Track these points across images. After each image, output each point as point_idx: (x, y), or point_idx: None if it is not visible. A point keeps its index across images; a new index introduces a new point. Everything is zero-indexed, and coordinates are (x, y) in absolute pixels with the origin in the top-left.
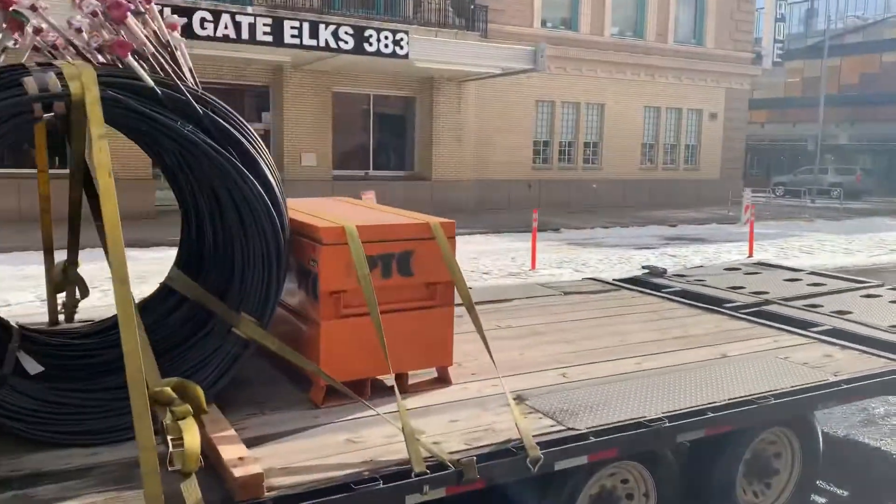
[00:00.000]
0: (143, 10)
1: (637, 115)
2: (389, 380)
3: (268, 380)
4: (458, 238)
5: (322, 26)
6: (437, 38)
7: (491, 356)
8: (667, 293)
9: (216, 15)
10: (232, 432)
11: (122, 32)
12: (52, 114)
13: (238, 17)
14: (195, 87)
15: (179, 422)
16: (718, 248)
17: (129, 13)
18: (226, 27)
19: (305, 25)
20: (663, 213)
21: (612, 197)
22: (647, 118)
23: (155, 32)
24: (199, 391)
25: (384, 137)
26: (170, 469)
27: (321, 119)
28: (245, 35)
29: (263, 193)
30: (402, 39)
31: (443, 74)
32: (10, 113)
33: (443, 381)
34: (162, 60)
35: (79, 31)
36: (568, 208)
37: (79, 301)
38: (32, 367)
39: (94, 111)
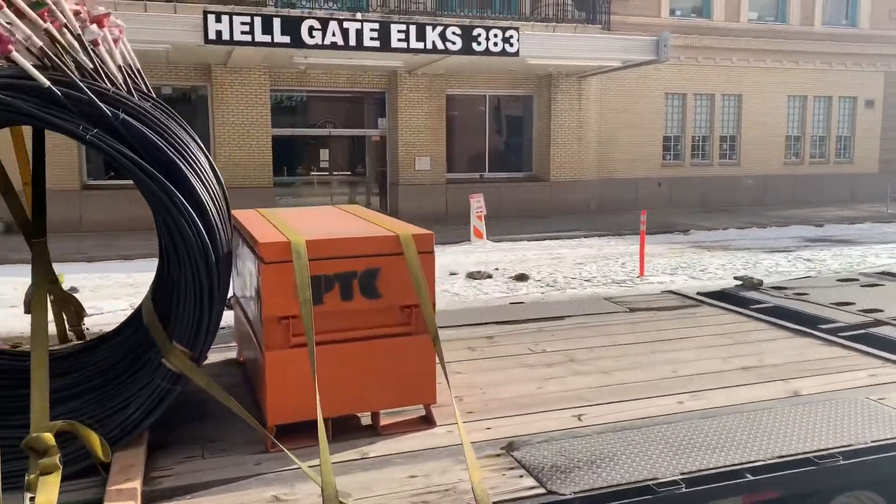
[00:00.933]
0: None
1: (779, 106)
2: (367, 417)
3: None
4: (572, 241)
5: (429, 28)
6: (551, 34)
7: (449, 388)
8: (755, 310)
9: (324, 23)
10: (134, 485)
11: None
12: None
13: (346, 24)
14: (122, 87)
15: (42, 477)
16: (865, 251)
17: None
18: (333, 34)
19: (412, 28)
20: (809, 212)
21: (751, 194)
22: (790, 108)
23: (66, 27)
24: (95, 438)
25: (500, 138)
26: None
27: (435, 122)
28: (353, 42)
29: (190, 210)
30: (511, 37)
31: (561, 70)
32: None
33: (426, 421)
34: (69, 58)
35: None
36: (702, 207)
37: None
38: None
39: None
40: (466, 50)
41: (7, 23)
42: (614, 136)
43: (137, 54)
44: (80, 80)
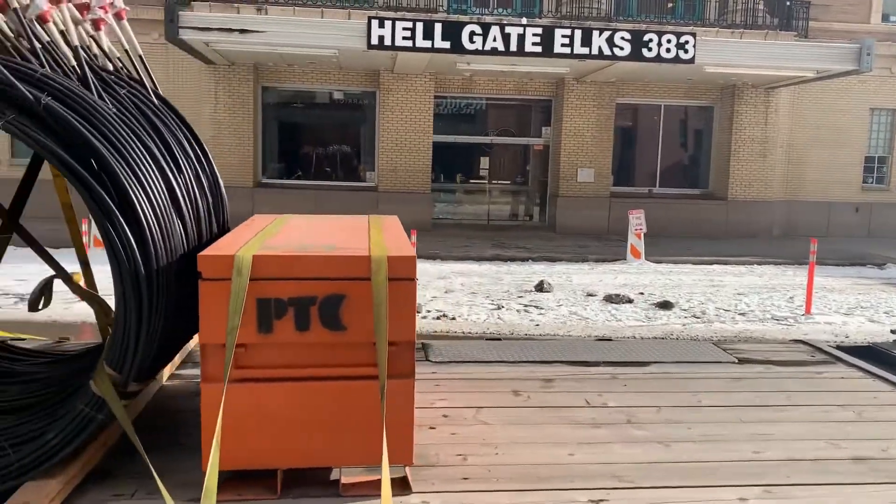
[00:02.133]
0: None
1: None
2: (340, 473)
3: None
4: (740, 267)
5: (595, 33)
6: (731, 40)
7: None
8: None
9: (485, 28)
10: None
11: None
12: None
13: (508, 29)
14: (72, 69)
15: None
16: None
17: None
18: (494, 39)
19: (577, 33)
20: None
21: None
22: None
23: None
24: None
25: (674, 152)
26: None
27: (601, 132)
28: (514, 47)
29: (113, 211)
30: (686, 42)
31: (745, 80)
32: None
33: (400, 486)
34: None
35: None
36: None
37: None
38: None
39: None
40: (636, 56)
41: None
42: (806, 154)
43: (309, 58)
44: (5, 59)
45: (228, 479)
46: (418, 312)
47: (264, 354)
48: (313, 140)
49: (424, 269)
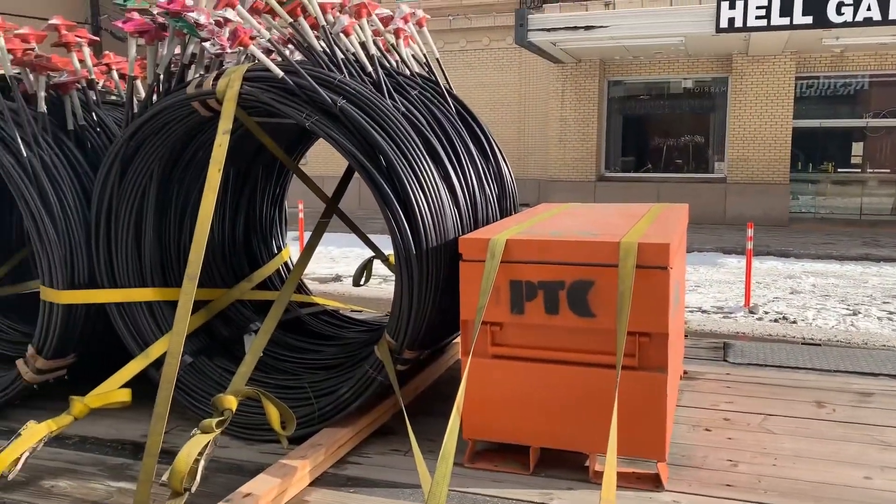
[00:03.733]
0: None
1: None
2: (594, 459)
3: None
4: None
5: None
6: None
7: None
8: None
9: None
10: (304, 462)
11: (233, 20)
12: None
13: None
14: (371, 75)
15: (195, 436)
16: None
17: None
18: (868, 9)
19: None
20: None
21: None
22: None
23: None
24: (274, 411)
25: None
26: (159, 483)
27: None
28: (893, 14)
29: (394, 202)
30: None
31: None
32: (172, 112)
33: (653, 482)
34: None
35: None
36: None
37: None
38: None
39: (227, 107)
40: None
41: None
42: None
43: (655, 49)
44: (312, 69)
45: (485, 450)
46: (753, 313)
47: (517, 334)
48: (658, 132)
49: (771, 267)
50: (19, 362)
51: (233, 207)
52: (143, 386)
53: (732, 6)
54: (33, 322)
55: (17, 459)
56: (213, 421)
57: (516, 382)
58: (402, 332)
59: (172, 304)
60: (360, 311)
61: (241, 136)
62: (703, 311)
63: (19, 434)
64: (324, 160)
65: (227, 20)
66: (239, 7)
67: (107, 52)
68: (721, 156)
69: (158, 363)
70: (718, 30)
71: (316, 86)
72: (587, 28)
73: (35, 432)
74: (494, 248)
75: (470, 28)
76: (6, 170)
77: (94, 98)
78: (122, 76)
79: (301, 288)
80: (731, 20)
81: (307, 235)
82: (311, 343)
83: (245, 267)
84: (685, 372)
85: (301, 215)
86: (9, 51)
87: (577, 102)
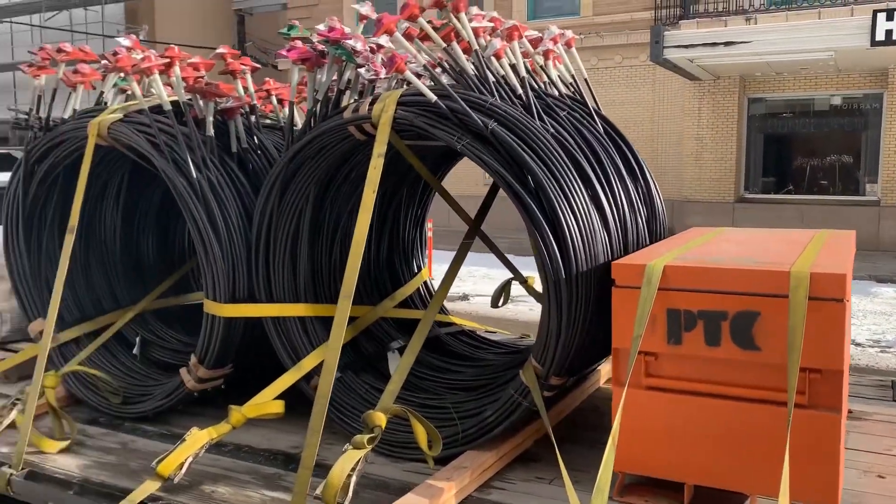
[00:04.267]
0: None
1: None
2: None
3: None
4: None
5: None
6: None
7: None
8: None
9: None
10: (450, 484)
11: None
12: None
13: None
14: (522, 98)
15: (347, 451)
16: None
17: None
18: None
19: None
20: None
21: None
22: None
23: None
24: (422, 431)
25: None
26: (313, 496)
27: None
28: None
29: (543, 224)
30: None
31: None
32: (330, 136)
33: None
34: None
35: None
36: None
37: None
38: (395, 367)
39: (382, 131)
40: None
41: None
42: None
43: (801, 64)
44: (463, 93)
45: (635, 483)
46: None
47: (674, 365)
48: (801, 151)
49: None
50: (183, 371)
51: (378, 227)
52: (292, 397)
53: (890, 17)
54: (194, 332)
55: (182, 464)
56: (364, 437)
57: (672, 416)
58: (549, 358)
59: (323, 320)
60: (494, 332)
61: (390, 158)
62: (858, 344)
63: (184, 439)
64: (455, 180)
65: (379, 46)
66: (396, 34)
67: (267, 78)
68: (874, 177)
69: (308, 376)
70: (874, 43)
71: (468, 109)
72: (727, 44)
73: (198, 439)
74: (651, 275)
75: (602, 46)
76: (178, 190)
77: (256, 122)
78: (279, 101)
79: (442, 309)
80: (889, 32)
81: (436, 254)
82: (451, 363)
83: (388, 285)
84: (850, 411)
85: (430, 234)
86: (182, 78)
87: (715, 120)
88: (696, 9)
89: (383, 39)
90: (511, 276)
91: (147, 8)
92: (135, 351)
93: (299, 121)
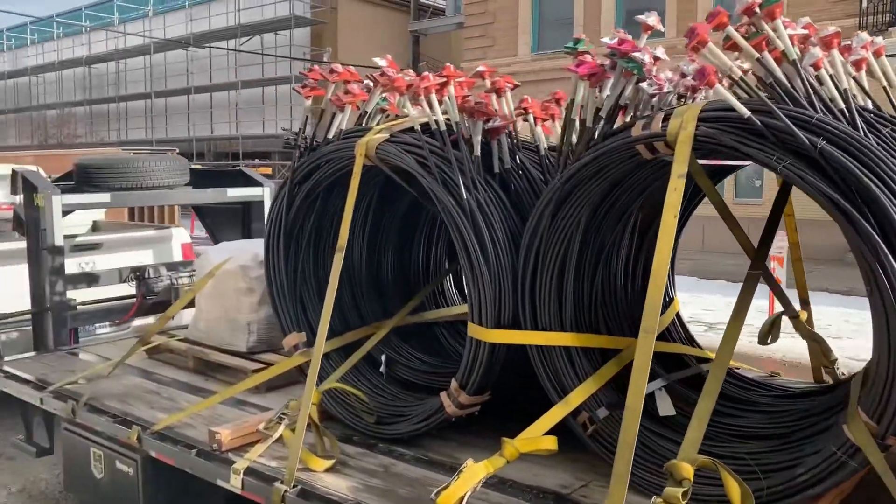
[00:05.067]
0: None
1: None
2: None
3: None
4: None
5: None
6: None
7: None
8: None
9: None
10: None
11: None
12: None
13: None
14: (845, 113)
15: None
16: None
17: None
18: None
19: None
20: None
21: None
22: None
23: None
24: (735, 487)
25: None
26: None
27: None
28: None
29: (889, 259)
30: None
31: None
32: (614, 155)
33: None
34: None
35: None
36: None
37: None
38: (665, 407)
39: (682, 150)
40: None
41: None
42: None
43: None
44: (785, 108)
45: None
46: None
47: None
48: None
49: None
50: (443, 395)
51: (635, 255)
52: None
53: None
54: (428, 350)
55: (462, 498)
56: (678, 491)
57: None
58: (889, 413)
59: (588, 352)
60: (738, 368)
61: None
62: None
63: (461, 471)
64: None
65: (657, 59)
66: (710, 45)
67: (525, 96)
68: None
69: (575, 411)
70: None
71: (792, 126)
72: None
73: (474, 472)
74: None
75: None
76: (448, 211)
77: (517, 141)
78: (535, 119)
79: (693, 341)
80: None
81: None
82: (723, 405)
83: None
84: None
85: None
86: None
87: None
88: None
89: (659, 51)
90: (782, 309)
91: (330, 32)
92: (381, 369)
93: (544, 140)
